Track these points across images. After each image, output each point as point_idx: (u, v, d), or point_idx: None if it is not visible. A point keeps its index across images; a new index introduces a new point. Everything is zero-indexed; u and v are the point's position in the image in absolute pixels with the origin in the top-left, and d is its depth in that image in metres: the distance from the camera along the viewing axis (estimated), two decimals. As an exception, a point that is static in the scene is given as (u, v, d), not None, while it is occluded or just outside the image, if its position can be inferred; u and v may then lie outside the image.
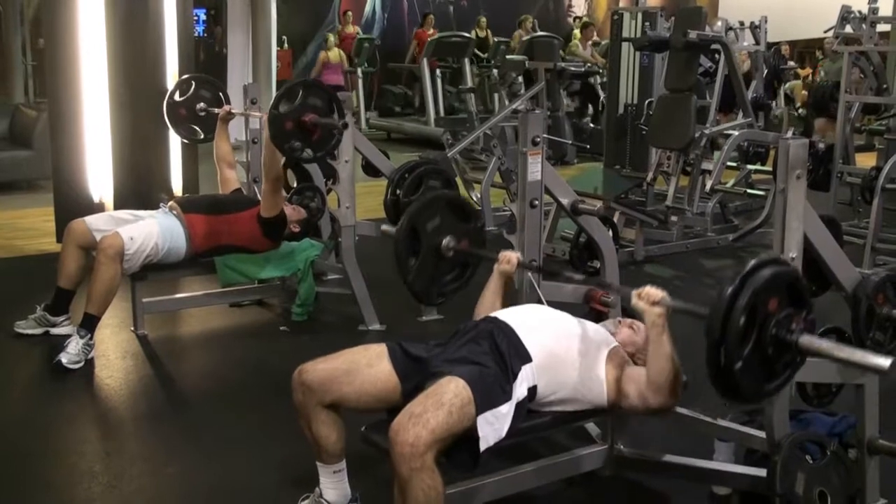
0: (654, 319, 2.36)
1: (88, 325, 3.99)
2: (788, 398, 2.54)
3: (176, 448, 3.28)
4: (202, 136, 5.35)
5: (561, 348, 2.51)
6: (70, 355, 3.91)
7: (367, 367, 2.46)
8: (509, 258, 2.88)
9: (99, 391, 3.81)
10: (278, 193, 4.34)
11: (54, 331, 4.29)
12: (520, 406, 2.37)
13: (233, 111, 4.89)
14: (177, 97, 5.28)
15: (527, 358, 2.43)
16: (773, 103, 8.95)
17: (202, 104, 5.26)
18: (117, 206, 5.34)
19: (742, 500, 2.77)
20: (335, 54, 12.67)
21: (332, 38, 12.89)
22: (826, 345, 2.05)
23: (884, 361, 1.95)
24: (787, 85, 12.56)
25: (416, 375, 2.42)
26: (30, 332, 4.31)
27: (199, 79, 5.43)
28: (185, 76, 5.49)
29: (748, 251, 6.29)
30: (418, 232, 2.95)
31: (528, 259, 2.98)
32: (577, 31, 13.87)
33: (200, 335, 4.64)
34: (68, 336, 4.06)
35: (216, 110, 5.00)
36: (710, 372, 2.02)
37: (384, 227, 3.26)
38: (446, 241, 2.98)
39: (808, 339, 2.04)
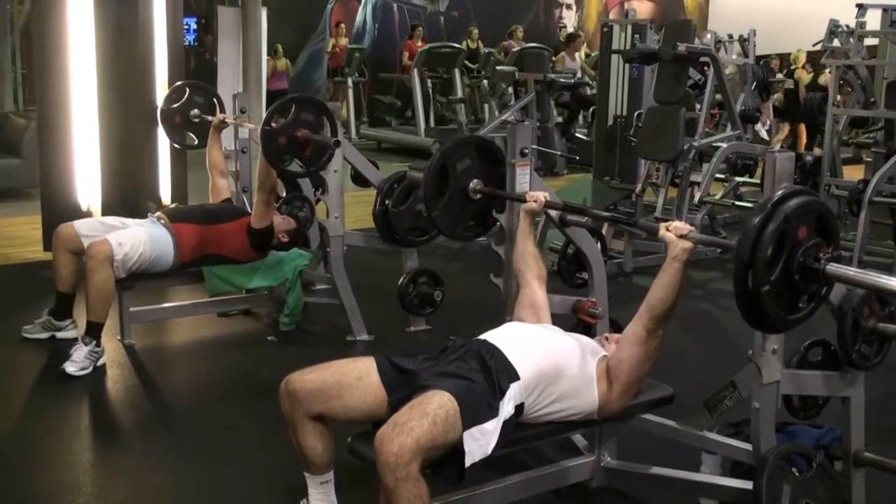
0: (679, 253, 2.40)
1: (92, 332, 3.99)
2: (775, 410, 2.55)
3: (162, 459, 3.26)
4: (196, 143, 5.35)
5: (550, 365, 2.50)
6: (76, 363, 3.91)
7: (356, 380, 2.45)
8: (536, 196, 2.93)
9: (85, 401, 3.78)
10: (271, 205, 4.35)
11: (60, 335, 4.31)
12: (507, 424, 2.36)
13: (226, 120, 4.89)
14: (170, 103, 5.27)
15: (514, 376, 2.43)
16: (760, 120, 8.98)
17: (196, 111, 5.24)
18: (105, 214, 5.31)
19: (729, 513, 2.77)
20: (282, 63, 13.30)
21: (279, 48, 13.20)
22: (853, 272, 2.07)
23: None
24: (775, 96, 12.63)
25: (403, 388, 2.41)
26: (36, 336, 4.32)
27: (194, 85, 5.42)
28: (180, 83, 5.48)
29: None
30: (448, 171, 2.98)
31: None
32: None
33: (188, 345, 4.63)
34: (74, 340, 4.07)
35: (210, 118, 5.00)
36: (738, 295, 2.03)
37: (411, 168, 3.29)
38: (474, 183, 3.02)
39: (834, 268, 2.04)
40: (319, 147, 4.10)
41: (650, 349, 2.48)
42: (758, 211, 2.02)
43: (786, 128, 12.96)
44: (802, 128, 12.29)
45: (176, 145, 5.50)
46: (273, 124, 4.04)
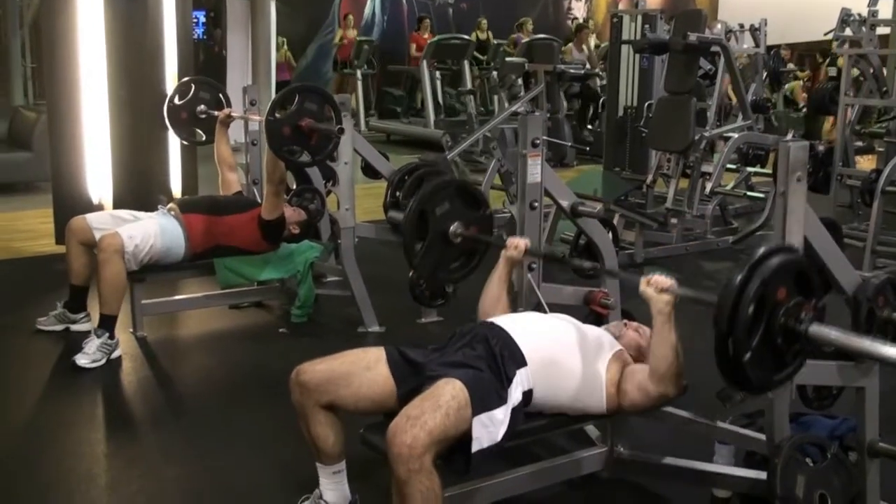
0: (662, 307, 2.37)
1: (105, 324, 4.00)
2: (789, 401, 2.54)
3: (175, 450, 3.27)
4: (203, 139, 5.35)
5: (559, 354, 2.50)
6: (88, 355, 3.93)
7: (364, 370, 2.45)
8: (517, 244, 2.88)
9: (98, 393, 3.79)
10: (280, 196, 4.35)
11: (74, 327, 4.34)
12: (516, 411, 2.36)
13: (232, 114, 4.89)
14: (177, 100, 5.27)
15: (522, 362, 2.42)
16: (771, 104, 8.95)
17: (202, 106, 5.25)
18: (116, 208, 5.33)
19: (742, 503, 2.76)
20: (281, 54, 13.24)
21: (281, 41, 13.18)
22: (835, 334, 2.03)
23: (893, 351, 1.93)
24: (787, 86, 12.58)
25: (412, 379, 2.42)
26: (51, 328, 4.34)
27: (199, 81, 5.42)
28: (185, 79, 5.48)
29: (748, 254, 6.28)
30: (427, 216, 2.96)
31: (529, 261, 2.98)
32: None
33: (200, 337, 4.64)
34: (88, 333, 4.08)
35: (216, 113, 5.00)
36: (719, 363, 2.01)
37: (391, 212, 3.26)
38: (454, 226, 2.99)
39: (817, 329, 2.01)
40: (324, 135, 4.10)
41: (658, 404, 2.51)
42: (734, 275, 1.98)
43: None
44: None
45: (184, 142, 5.50)
46: (277, 115, 4.04)
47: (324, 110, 4.14)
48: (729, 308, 1.95)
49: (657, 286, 2.38)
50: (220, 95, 5.30)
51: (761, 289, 1.97)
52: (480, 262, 3.10)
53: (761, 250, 2.03)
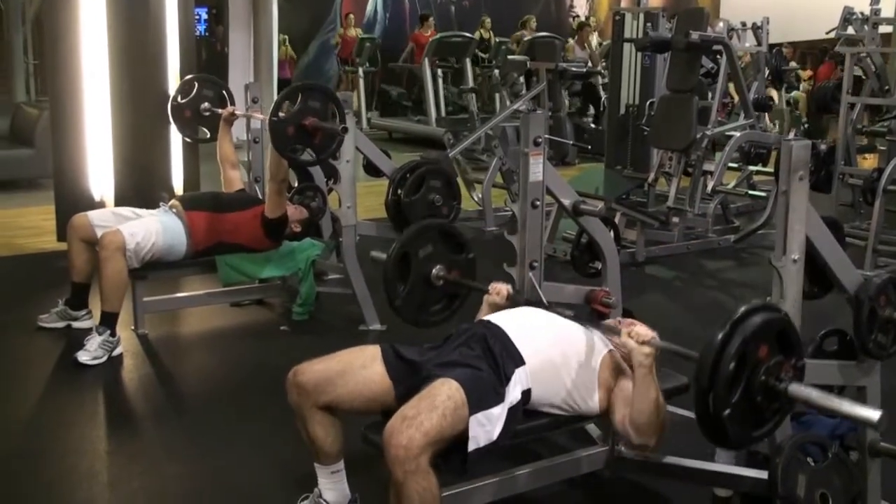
0: (642, 360, 2.35)
1: (106, 321, 4.01)
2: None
3: (176, 448, 3.27)
4: (208, 136, 5.35)
5: (555, 353, 2.49)
6: (89, 353, 3.93)
7: (360, 368, 2.45)
8: (499, 290, 2.86)
9: (99, 390, 3.80)
10: (283, 194, 4.36)
11: (76, 325, 4.34)
12: (513, 410, 2.35)
13: (236, 112, 4.89)
14: (180, 98, 5.27)
15: (520, 361, 2.42)
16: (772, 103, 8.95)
17: (206, 104, 5.25)
18: (118, 205, 5.32)
19: (743, 502, 2.76)
20: (282, 51, 13.43)
21: (282, 38, 13.31)
22: (815, 394, 2.05)
23: (873, 414, 1.96)
24: (792, 95, 12.55)
25: (408, 378, 2.41)
26: (52, 325, 4.35)
27: (202, 79, 5.42)
28: (188, 77, 5.48)
29: (750, 252, 6.29)
30: (409, 258, 2.96)
31: (529, 260, 2.98)
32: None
33: (201, 334, 4.64)
34: (89, 330, 4.09)
35: (220, 111, 5.00)
36: (699, 418, 2.03)
37: (374, 253, 3.30)
38: (437, 269, 3.00)
39: (796, 388, 2.04)
40: (328, 134, 4.10)
41: (639, 450, 2.51)
42: (716, 332, 2.00)
43: None
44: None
45: (188, 139, 5.50)
46: (281, 114, 4.04)
47: (327, 109, 4.14)
48: (710, 365, 1.98)
49: (637, 338, 2.36)
50: (224, 93, 5.30)
51: (742, 347, 1.99)
52: (462, 305, 3.12)
53: (743, 308, 2.06)
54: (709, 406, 2.00)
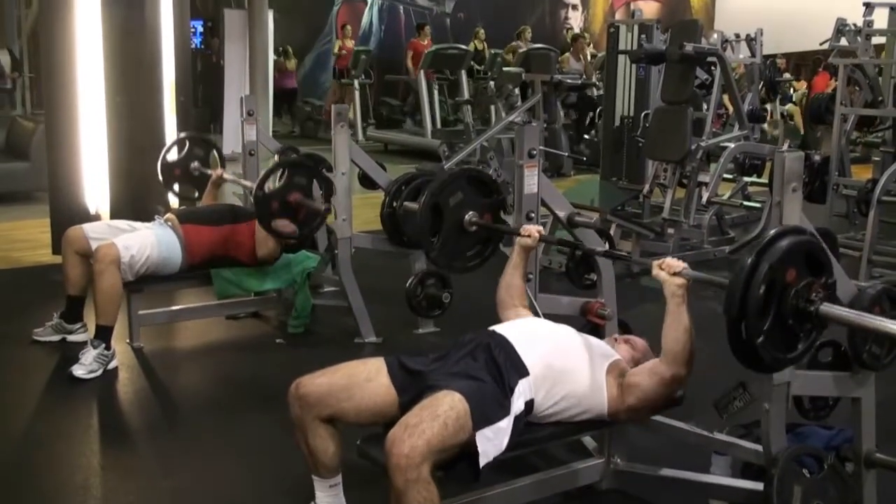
0: (674, 290, 2.42)
1: (101, 335, 3.99)
2: (785, 411, 2.54)
3: (171, 461, 3.26)
4: (196, 195, 5.23)
5: (560, 361, 2.50)
6: (84, 366, 3.91)
7: (365, 381, 2.45)
8: (530, 231, 2.91)
9: (94, 404, 3.79)
10: (277, 243, 4.43)
11: (71, 338, 4.33)
12: (517, 420, 2.36)
13: (225, 177, 4.85)
14: (171, 156, 5.15)
15: (524, 372, 2.42)
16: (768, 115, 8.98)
17: (196, 163, 5.11)
18: (113, 218, 5.32)
19: (739, 514, 2.76)
20: (292, 63, 13.84)
21: (290, 49, 13.70)
22: (846, 312, 2.06)
23: None
24: (787, 108, 12.60)
25: (413, 389, 2.41)
26: (47, 339, 4.33)
27: (194, 138, 5.31)
28: (180, 135, 5.41)
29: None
30: (441, 207, 2.97)
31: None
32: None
33: (196, 347, 4.63)
34: (84, 343, 4.07)
35: (209, 171, 4.98)
36: (733, 346, 2.04)
37: (407, 203, 3.32)
38: (469, 215, 3.01)
39: (827, 308, 2.04)
40: (311, 211, 4.23)
41: (669, 391, 2.51)
42: (743, 259, 2.01)
43: None
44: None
45: (175, 196, 5.43)
46: (268, 184, 4.16)
47: (312, 185, 4.26)
48: (739, 292, 1.98)
49: (669, 269, 2.42)
50: (214, 152, 5.24)
51: (770, 272, 1.99)
52: (496, 250, 3.14)
53: (770, 233, 2.06)
54: (741, 334, 2.00)
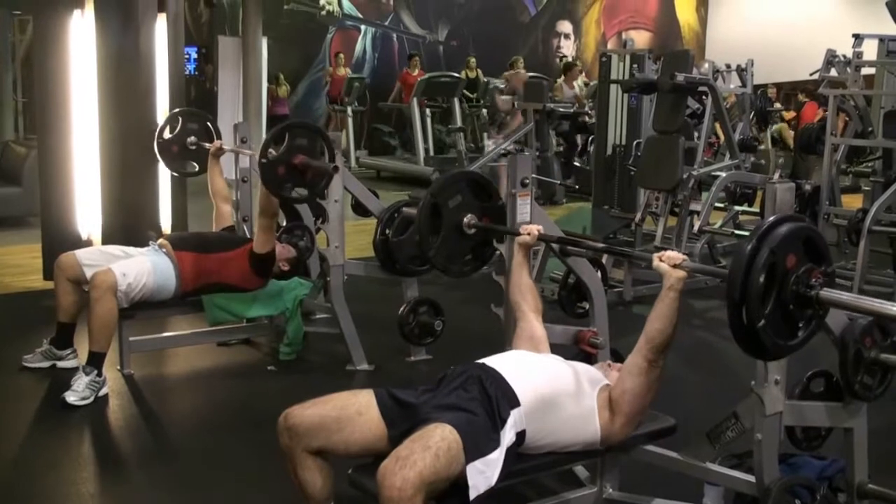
0: (674, 283, 2.43)
1: (93, 361, 3.97)
2: (778, 442, 2.54)
3: (162, 490, 3.24)
4: (196, 169, 5.33)
5: (551, 393, 2.50)
6: (77, 393, 3.89)
7: (356, 414, 2.43)
8: (530, 230, 2.95)
9: (85, 431, 3.76)
10: (272, 230, 4.35)
11: (61, 364, 4.30)
12: (509, 451, 2.35)
13: (223, 147, 4.89)
14: (166, 134, 5.25)
15: (515, 402, 2.42)
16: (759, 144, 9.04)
17: (192, 137, 5.21)
18: (105, 244, 5.32)
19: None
20: (283, 90, 13.71)
21: (281, 76, 13.62)
22: (846, 297, 2.07)
23: None
24: (774, 127, 12.70)
25: (403, 422, 2.40)
26: (37, 365, 4.31)
27: (187, 113, 5.42)
28: (175, 110, 5.49)
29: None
30: (440, 209, 2.98)
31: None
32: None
33: (187, 374, 4.61)
34: (75, 370, 4.05)
35: (207, 145, 5.01)
36: (734, 332, 2.04)
37: (405, 209, 3.31)
38: (468, 218, 3.03)
39: (827, 293, 2.05)
40: (318, 171, 4.13)
41: (651, 379, 2.49)
42: (744, 246, 2.03)
43: None
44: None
45: (177, 174, 5.49)
46: (270, 155, 4.05)
47: (315, 145, 4.16)
48: (741, 278, 1.99)
49: (670, 261, 2.44)
50: (209, 125, 5.30)
51: (771, 257, 2.00)
52: (493, 254, 3.15)
53: (769, 220, 2.07)
54: (742, 320, 2.00)
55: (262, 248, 4.32)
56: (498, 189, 3.12)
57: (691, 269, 2.46)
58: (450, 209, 3.01)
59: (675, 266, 2.44)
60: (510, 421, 2.38)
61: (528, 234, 2.95)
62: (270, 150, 4.04)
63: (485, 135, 11.44)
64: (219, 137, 5.16)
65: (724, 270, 2.10)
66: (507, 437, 2.37)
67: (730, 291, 2.01)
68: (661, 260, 2.47)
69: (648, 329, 2.48)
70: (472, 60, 14.21)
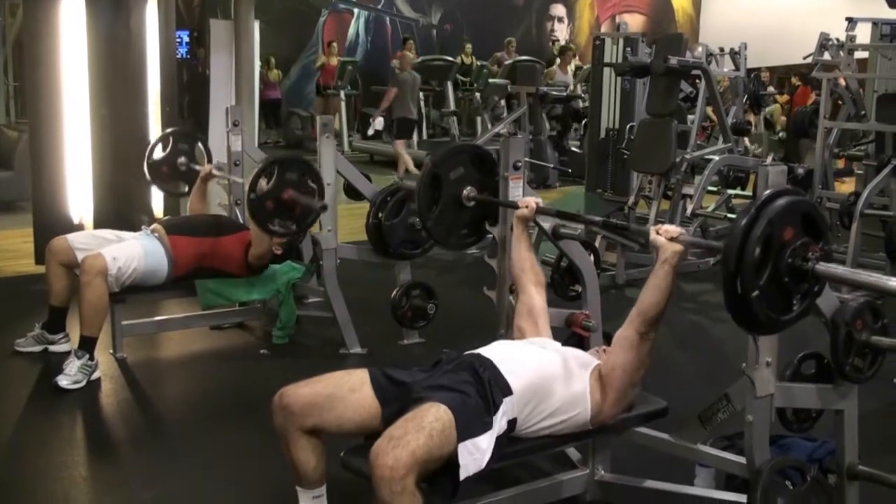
0: (670, 256, 2.42)
1: (85, 346, 3.97)
2: (769, 424, 2.55)
3: (154, 473, 3.24)
4: (186, 190, 5.22)
5: (542, 380, 2.50)
6: (69, 377, 3.89)
7: (349, 392, 2.44)
8: (528, 203, 2.95)
9: (77, 415, 3.76)
10: (269, 254, 4.43)
11: (53, 348, 4.30)
12: (500, 439, 2.36)
13: (214, 172, 4.83)
14: (156, 154, 5.11)
15: (508, 391, 2.42)
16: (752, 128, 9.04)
17: (183, 158, 5.10)
18: (97, 228, 5.30)
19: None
20: (274, 74, 13.97)
21: (272, 60, 13.86)
22: (841, 270, 2.07)
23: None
24: (767, 109, 12.70)
25: (397, 401, 2.41)
26: (29, 349, 4.30)
27: (177, 133, 5.29)
28: (165, 132, 5.37)
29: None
30: (441, 180, 2.97)
31: (509, 283, 3.00)
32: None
33: (180, 358, 4.61)
34: (67, 353, 4.05)
35: (197, 167, 4.96)
36: (727, 301, 2.02)
37: (405, 180, 3.32)
38: (467, 190, 3.02)
39: (823, 267, 2.04)
40: (306, 209, 4.17)
41: (642, 354, 2.49)
42: (742, 216, 2.02)
43: None
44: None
45: (166, 194, 5.38)
46: (259, 190, 4.08)
47: (304, 179, 4.18)
48: (737, 248, 1.98)
49: (667, 234, 2.44)
50: (200, 145, 5.20)
51: (768, 229, 1.99)
52: (489, 231, 3.15)
53: (767, 192, 2.06)
54: (737, 289, 1.99)
55: (259, 260, 4.40)
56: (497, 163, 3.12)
57: (688, 242, 2.46)
58: (450, 181, 3.01)
59: (671, 239, 2.43)
60: (503, 408, 2.39)
61: (527, 206, 2.94)
62: (261, 181, 4.08)
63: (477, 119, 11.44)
64: (210, 160, 5.11)
65: (720, 245, 2.09)
66: (500, 423, 2.37)
67: (725, 260, 2.00)
68: (658, 233, 2.47)
69: (642, 302, 2.48)
70: (468, 46, 14.19)
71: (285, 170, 4.12)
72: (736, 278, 1.99)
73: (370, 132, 11.49)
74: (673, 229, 2.46)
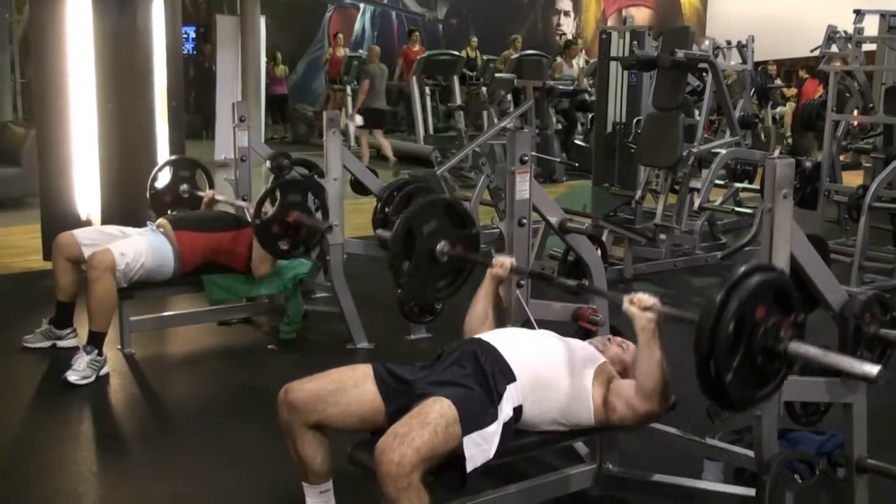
0: (645, 325, 2.37)
1: (94, 341, 3.98)
2: (777, 417, 2.54)
3: (162, 468, 3.25)
4: None
5: (546, 369, 2.50)
6: (78, 372, 3.90)
7: (352, 387, 2.45)
8: (502, 262, 2.87)
9: (86, 410, 3.78)
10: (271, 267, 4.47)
11: (61, 344, 4.31)
12: (507, 426, 2.36)
13: (217, 198, 4.82)
14: (158, 184, 5.05)
15: (511, 377, 2.42)
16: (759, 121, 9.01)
17: (185, 185, 5.04)
18: (104, 224, 5.31)
19: (731, 520, 2.76)
20: (281, 69, 14.02)
21: (278, 55, 13.89)
22: (813, 351, 2.05)
23: (871, 369, 1.95)
24: (779, 110, 12.65)
25: (400, 398, 2.41)
26: (37, 345, 4.32)
27: (177, 161, 5.25)
28: (164, 161, 5.32)
29: (732, 270, 6.30)
30: (414, 235, 2.96)
31: (517, 278, 2.98)
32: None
33: (188, 354, 4.62)
34: (75, 349, 4.07)
35: (200, 193, 4.95)
36: (701, 383, 2.02)
37: (379, 231, 3.28)
38: (441, 245, 2.99)
39: (795, 346, 2.03)
40: (312, 230, 4.22)
41: (646, 422, 2.51)
42: (713, 297, 2.00)
43: None
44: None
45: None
46: (265, 215, 4.14)
47: (306, 199, 4.24)
48: (708, 331, 1.97)
49: (640, 304, 2.38)
50: (201, 171, 5.16)
51: (739, 310, 1.98)
52: (467, 280, 3.10)
53: (739, 270, 2.05)
54: (710, 373, 1.99)
55: (260, 275, 4.46)
56: (472, 218, 3.10)
57: (661, 313, 2.39)
58: (424, 235, 2.95)
59: (644, 309, 2.38)
60: (507, 395, 2.39)
61: (500, 266, 2.87)
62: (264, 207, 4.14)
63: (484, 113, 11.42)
64: (212, 186, 5.10)
65: (694, 317, 2.06)
66: (505, 411, 2.37)
67: (697, 344, 1.98)
68: (630, 303, 2.41)
69: (637, 377, 2.44)
70: (474, 40, 14.15)
71: (288, 192, 4.17)
72: (709, 362, 1.98)
73: (352, 131, 11.59)
74: (646, 299, 2.39)
